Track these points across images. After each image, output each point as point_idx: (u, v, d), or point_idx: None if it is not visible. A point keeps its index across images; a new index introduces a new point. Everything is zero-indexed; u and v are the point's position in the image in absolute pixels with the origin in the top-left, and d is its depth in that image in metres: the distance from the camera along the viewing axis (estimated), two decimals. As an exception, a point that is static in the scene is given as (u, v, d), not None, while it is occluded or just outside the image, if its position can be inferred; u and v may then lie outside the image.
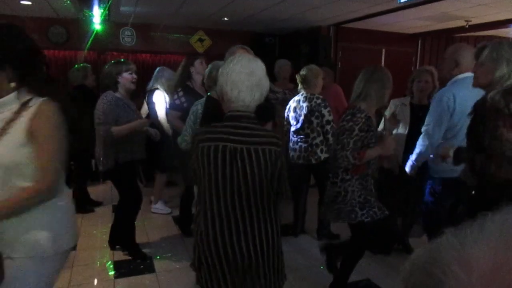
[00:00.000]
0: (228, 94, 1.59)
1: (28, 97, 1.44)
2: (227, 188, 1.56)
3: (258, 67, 1.62)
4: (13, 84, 1.41)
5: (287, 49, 7.28)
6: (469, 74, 2.40)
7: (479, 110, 1.77)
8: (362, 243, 2.54)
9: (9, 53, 1.38)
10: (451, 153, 1.97)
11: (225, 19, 6.46)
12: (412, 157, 2.69)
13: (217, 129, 1.60)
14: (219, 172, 1.55)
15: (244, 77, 1.57)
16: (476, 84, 1.91)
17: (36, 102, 1.43)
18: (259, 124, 1.62)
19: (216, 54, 7.19)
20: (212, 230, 1.58)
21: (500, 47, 1.81)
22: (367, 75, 2.34)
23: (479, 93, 1.88)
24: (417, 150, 2.65)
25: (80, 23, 6.25)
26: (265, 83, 1.63)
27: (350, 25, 6.65)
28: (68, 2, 5.20)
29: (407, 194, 2.96)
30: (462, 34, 6.88)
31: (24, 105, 1.41)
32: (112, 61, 3.23)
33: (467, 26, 6.16)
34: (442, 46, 7.57)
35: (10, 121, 1.39)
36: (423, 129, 2.62)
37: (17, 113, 1.40)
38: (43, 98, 1.44)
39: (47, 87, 1.48)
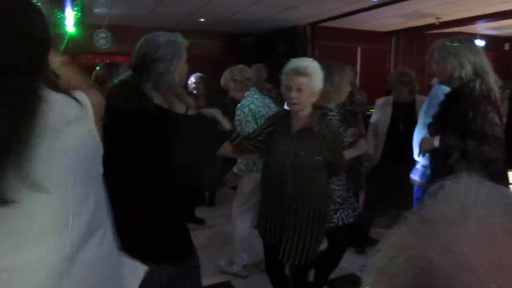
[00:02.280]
0: None
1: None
2: None
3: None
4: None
5: (264, 49, 7.31)
6: None
7: (467, 98, 1.90)
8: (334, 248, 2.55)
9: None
10: (436, 143, 2.01)
11: (201, 20, 6.44)
12: None
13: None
14: None
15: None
16: (440, 81, 2.10)
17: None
18: None
19: (193, 56, 7.17)
20: None
21: (444, 45, 2.04)
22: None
23: None
24: None
25: (52, 26, 6.10)
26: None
27: (326, 24, 6.74)
28: (39, 4, 5.07)
29: (397, 188, 3.02)
30: (433, 31, 7.07)
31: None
32: (107, 62, 2.85)
33: (437, 23, 6.35)
34: (415, 43, 7.75)
35: None
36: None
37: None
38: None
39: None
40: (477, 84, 1.91)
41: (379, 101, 3.29)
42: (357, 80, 7.22)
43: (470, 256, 0.27)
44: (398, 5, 5.12)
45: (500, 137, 1.85)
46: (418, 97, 3.08)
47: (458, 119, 1.95)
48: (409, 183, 3.01)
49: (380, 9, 5.42)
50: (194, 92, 4.19)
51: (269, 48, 7.04)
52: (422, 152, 2.17)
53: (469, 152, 1.89)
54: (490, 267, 0.26)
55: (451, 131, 1.96)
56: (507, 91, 4.52)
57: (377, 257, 0.32)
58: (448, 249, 0.28)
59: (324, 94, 2.32)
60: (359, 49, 7.61)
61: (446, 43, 2.04)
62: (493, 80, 1.98)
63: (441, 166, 2.04)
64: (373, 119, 3.30)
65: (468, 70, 1.94)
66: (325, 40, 7.12)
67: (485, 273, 0.26)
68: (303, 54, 6.70)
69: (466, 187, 0.32)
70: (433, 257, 0.28)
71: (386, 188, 3.03)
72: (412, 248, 0.30)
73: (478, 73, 1.94)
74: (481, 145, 1.85)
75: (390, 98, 3.20)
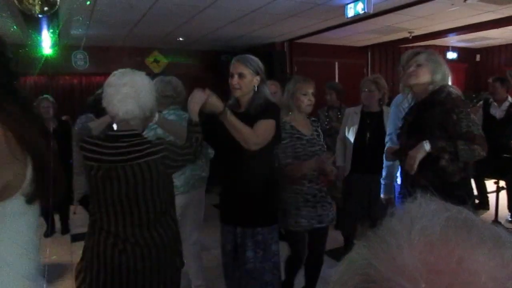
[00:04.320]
0: (107, 109, 1.63)
1: None
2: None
3: (135, 80, 1.61)
4: None
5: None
6: None
7: (447, 102, 1.94)
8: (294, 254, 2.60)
9: None
10: (426, 147, 1.90)
11: (180, 39, 6.47)
12: None
13: (93, 148, 1.63)
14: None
15: (114, 90, 1.58)
16: (415, 81, 2.06)
17: None
18: (139, 139, 1.63)
19: (173, 74, 7.17)
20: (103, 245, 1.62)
21: (426, 51, 2.10)
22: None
23: None
24: None
25: (29, 48, 6.02)
26: (145, 97, 1.62)
27: (304, 40, 6.87)
28: (15, 27, 5.01)
29: (369, 201, 3.03)
30: (407, 45, 7.29)
31: None
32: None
33: (410, 37, 6.56)
34: (390, 56, 7.97)
35: None
36: None
37: None
38: None
39: None
40: (451, 88, 2.00)
41: (348, 111, 3.29)
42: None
43: (407, 262, 0.30)
44: (371, 20, 5.27)
45: (483, 136, 1.92)
46: (386, 109, 3.10)
47: (438, 124, 1.94)
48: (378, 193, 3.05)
49: (354, 25, 5.56)
50: None
51: (249, 65, 7.09)
52: (413, 164, 1.94)
53: (460, 153, 1.86)
54: (423, 271, 0.30)
55: (431, 136, 1.92)
56: (480, 103, 4.67)
57: (336, 271, 0.36)
58: (392, 257, 0.31)
59: (284, 104, 2.57)
60: (336, 63, 7.76)
61: (425, 50, 2.11)
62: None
63: (429, 170, 1.97)
64: (342, 128, 3.30)
65: (440, 76, 2.03)
66: (303, 56, 7.24)
67: (418, 276, 0.30)
68: (282, 70, 6.80)
69: (419, 204, 0.36)
70: (377, 265, 0.32)
71: (357, 200, 3.04)
72: (362, 259, 0.33)
73: (446, 80, 2.05)
74: (472, 145, 1.87)
75: (359, 107, 3.19)
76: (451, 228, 0.33)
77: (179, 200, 2.49)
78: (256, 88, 2.13)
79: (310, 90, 2.53)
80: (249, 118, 2.06)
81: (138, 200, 1.59)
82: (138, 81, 1.60)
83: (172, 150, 1.66)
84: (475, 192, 4.17)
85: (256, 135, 1.98)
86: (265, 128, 2.04)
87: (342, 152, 3.23)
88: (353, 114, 3.18)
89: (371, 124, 3.06)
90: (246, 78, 2.11)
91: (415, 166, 1.92)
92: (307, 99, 2.51)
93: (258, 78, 2.14)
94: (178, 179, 2.56)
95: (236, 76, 2.11)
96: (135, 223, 1.60)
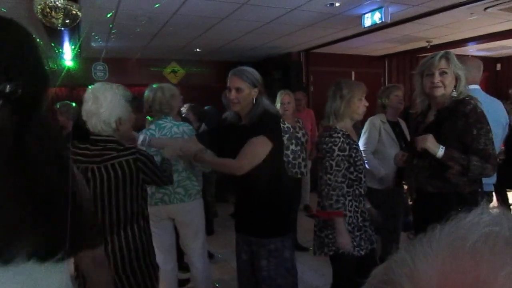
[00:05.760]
0: None
1: None
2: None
3: (97, 96, 1.67)
4: None
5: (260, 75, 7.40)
6: (477, 86, 2.48)
7: (471, 115, 1.85)
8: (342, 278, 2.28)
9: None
10: (440, 152, 1.86)
11: (198, 50, 6.55)
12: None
13: (76, 151, 1.73)
14: None
15: (84, 104, 1.71)
16: (442, 93, 1.93)
17: None
18: (114, 145, 1.73)
19: (191, 84, 7.27)
20: None
21: (451, 55, 1.94)
22: (330, 94, 2.29)
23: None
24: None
25: (51, 60, 6.20)
26: (106, 111, 1.67)
27: (320, 50, 6.86)
28: (38, 40, 5.15)
29: (390, 210, 2.97)
30: (425, 54, 7.20)
31: None
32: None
33: (429, 47, 6.48)
34: (407, 66, 7.88)
35: None
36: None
37: None
38: None
39: None
40: (478, 102, 1.90)
41: (373, 121, 2.99)
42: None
43: (422, 271, 0.31)
44: (389, 30, 5.23)
45: (496, 157, 1.89)
46: (400, 120, 3.05)
47: (458, 135, 1.88)
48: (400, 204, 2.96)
49: (371, 35, 5.53)
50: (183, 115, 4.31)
51: (265, 75, 7.10)
52: (418, 149, 1.94)
53: (471, 168, 1.83)
54: (434, 282, 0.30)
55: (448, 146, 1.87)
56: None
57: (375, 269, 0.38)
58: (411, 263, 0.32)
59: (336, 111, 2.21)
60: (353, 73, 7.72)
61: (446, 54, 1.94)
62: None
63: (438, 179, 1.94)
64: (372, 139, 2.94)
65: (464, 83, 1.94)
66: (319, 66, 7.23)
67: (426, 286, 0.30)
68: (298, 80, 6.80)
69: (472, 214, 0.35)
70: (395, 268, 0.33)
71: (382, 213, 2.90)
72: (392, 260, 0.35)
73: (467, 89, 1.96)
74: (485, 163, 1.83)
75: (383, 116, 2.99)
76: (486, 244, 0.31)
77: (184, 208, 2.60)
78: (254, 100, 2.09)
79: (365, 95, 2.29)
80: (249, 131, 2.03)
81: (111, 201, 1.69)
82: (100, 97, 1.67)
83: (146, 163, 1.79)
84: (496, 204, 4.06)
85: (238, 162, 1.97)
86: (251, 149, 1.98)
87: (377, 163, 2.89)
88: (382, 124, 2.94)
89: (399, 135, 2.96)
90: (244, 92, 2.06)
91: (418, 148, 1.93)
92: (362, 105, 2.26)
93: (256, 90, 2.10)
94: (184, 188, 2.61)
95: (233, 91, 2.07)
96: (106, 224, 1.69)
